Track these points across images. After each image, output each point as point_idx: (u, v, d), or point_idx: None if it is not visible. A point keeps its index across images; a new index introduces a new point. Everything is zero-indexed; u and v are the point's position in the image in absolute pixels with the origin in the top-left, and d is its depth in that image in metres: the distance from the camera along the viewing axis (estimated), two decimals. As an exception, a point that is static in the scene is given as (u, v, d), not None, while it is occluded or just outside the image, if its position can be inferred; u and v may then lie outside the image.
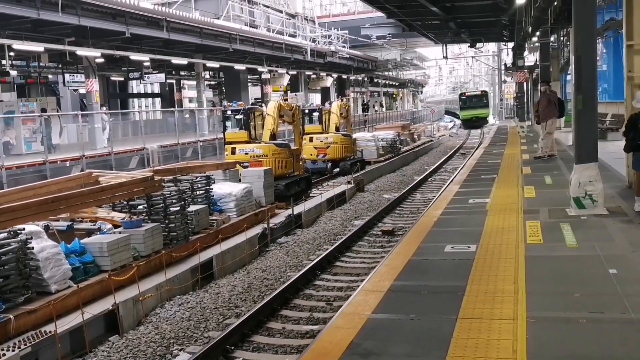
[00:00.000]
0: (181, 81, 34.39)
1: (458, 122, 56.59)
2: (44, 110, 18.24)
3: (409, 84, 63.11)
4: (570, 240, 6.40)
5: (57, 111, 20.81)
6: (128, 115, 26.63)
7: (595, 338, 3.94)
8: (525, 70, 33.99)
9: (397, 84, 58.27)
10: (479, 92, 47.78)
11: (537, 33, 22.88)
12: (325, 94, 40.45)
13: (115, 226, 8.16)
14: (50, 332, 5.77)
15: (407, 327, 4.39)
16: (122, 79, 28.99)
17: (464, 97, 47.16)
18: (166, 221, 8.54)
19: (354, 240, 10.71)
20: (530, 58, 33.23)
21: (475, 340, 4.02)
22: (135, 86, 33.73)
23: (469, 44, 35.95)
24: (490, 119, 50.63)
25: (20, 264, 6.25)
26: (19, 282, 6.21)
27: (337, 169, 19.52)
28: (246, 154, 14.45)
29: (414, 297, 5.05)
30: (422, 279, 5.52)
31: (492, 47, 54.02)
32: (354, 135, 21.97)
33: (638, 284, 4.89)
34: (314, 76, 38.51)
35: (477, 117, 43.41)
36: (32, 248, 6.40)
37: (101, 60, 19.93)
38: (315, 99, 39.02)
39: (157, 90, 35.72)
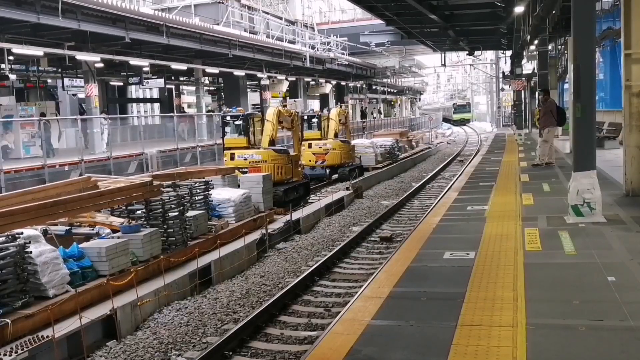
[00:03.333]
0: (180, 86, 34.43)
1: (455, 128, 59.70)
2: (42, 114, 18.26)
3: (407, 91, 63.33)
4: (568, 248, 6.41)
5: (56, 116, 20.82)
6: (127, 120, 26.64)
7: (594, 345, 3.95)
8: (523, 79, 34.14)
9: (395, 91, 58.47)
10: (465, 103, 70.99)
11: (536, 41, 23.03)
12: (324, 100, 40.54)
13: (114, 231, 8.15)
14: (47, 336, 5.75)
15: (406, 333, 4.39)
16: (121, 83, 29.00)
17: (456, 106, 69.36)
18: (165, 226, 8.54)
19: (352, 247, 10.71)
20: (528, 66, 33.37)
21: (474, 347, 4.02)
22: (134, 91, 33.74)
23: (467, 52, 36.17)
24: (488, 127, 58.93)
25: (18, 268, 6.22)
26: (16, 286, 6.19)
27: (336, 175, 19.54)
28: (245, 159, 14.46)
29: (413, 303, 5.05)
30: (421, 286, 5.52)
31: (490, 55, 54.24)
32: (353, 142, 22.01)
33: (636, 292, 4.90)
34: (313, 83, 38.61)
35: (463, 119, 64.69)
36: (30, 252, 6.39)
37: (100, 65, 19.94)
38: (314, 105, 39.10)
39: (156, 95, 35.74)
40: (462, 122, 61.45)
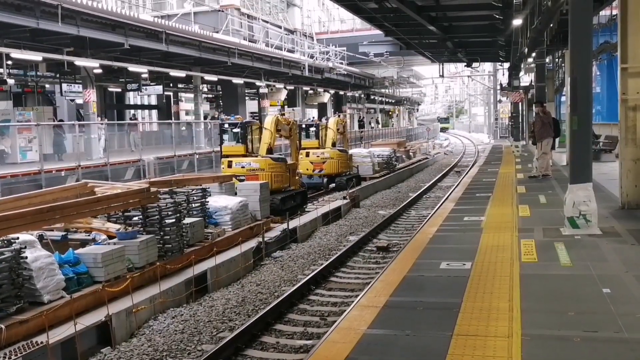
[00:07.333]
0: (179, 94, 34.47)
1: (452, 139, 59.65)
2: (61, 120, 18.71)
3: (405, 102, 63.54)
4: (564, 260, 6.43)
5: (54, 121, 20.82)
6: (124, 126, 26.62)
7: (589, 356, 3.96)
8: (521, 91, 34.32)
9: (393, 101, 58.68)
10: (446, 116, 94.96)
11: (533, 54, 23.18)
12: (322, 109, 40.64)
13: (110, 237, 8.13)
14: (41, 342, 5.72)
15: (402, 343, 4.39)
16: (119, 90, 29.03)
17: (440, 118, 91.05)
18: (161, 233, 8.52)
19: (349, 256, 10.70)
20: (526, 79, 33.57)
21: (470, 357, 4.02)
22: (132, 97, 33.77)
23: (465, 64, 36.35)
24: (485, 138, 59.46)
25: (13, 273, 6.20)
26: (11, 291, 6.16)
27: (333, 184, 19.56)
28: (242, 167, 14.48)
29: (409, 313, 5.05)
30: (417, 295, 5.52)
31: (488, 66, 54.53)
32: (350, 151, 22.05)
33: (631, 304, 4.91)
34: (311, 92, 38.73)
35: (444, 127, 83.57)
36: (26, 257, 6.36)
37: (99, 70, 19.98)
38: (313, 114, 39.18)
39: (154, 102, 35.77)
40: (443, 130, 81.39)
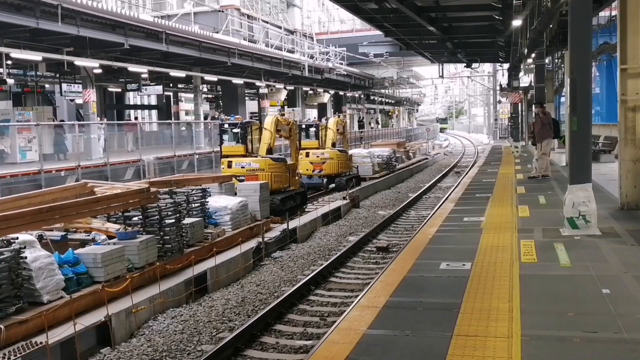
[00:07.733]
0: (179, 94, 34.48)
1: (452, 140, 59.61)
2: (61, 120, 18.76)
3: (404, 102, 63.57)
4: (564, 260, 6.43)
5: (53, 121, 20.81)
6: (124, 126, 26.60)
7: (589, 357, 3.96)
8: (520, 91, 34.35)
9: (393, 101, 58.70)
10: (445, 117, 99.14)
11: (533, 55, 23.20)
12: (322, 109, 40.64)
13: (110, 237, 8.13)
14: (41, 343, 5.71)
15: (402, 343, 4.39)
16: (119, 90, 29.03)
17: (438, 119, 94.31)
18: (161, 233, 8.51)
19: (349, 256, 10.69)
20: (525, 79, 33.62)
21: (470, 358, 4.03)
22: (132, 98, 33.77)
23: (465, 64, 36.39)
24: (485, 139, 59.85)
25: (13, 273, 6.19)
26: (10, 291, 6.15)
27: (333, 185, 19.55)
28: (242, 167, 14.48)
29: (409, 313, 5.06)
30: (417, 296, 5.52)
31: (487, 67, 54.55)
32: (350, 152, 22.05)
33: (631, 304, 4.92)
34: (311, 92, 38.73)
35: (443, 128, 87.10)
36: (25, 257, 6.36)
37: (99, 70, 19.97)
38: (312, 114, 39.21)
39: (154, 102, 35.75)
40: (442, 130, 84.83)
